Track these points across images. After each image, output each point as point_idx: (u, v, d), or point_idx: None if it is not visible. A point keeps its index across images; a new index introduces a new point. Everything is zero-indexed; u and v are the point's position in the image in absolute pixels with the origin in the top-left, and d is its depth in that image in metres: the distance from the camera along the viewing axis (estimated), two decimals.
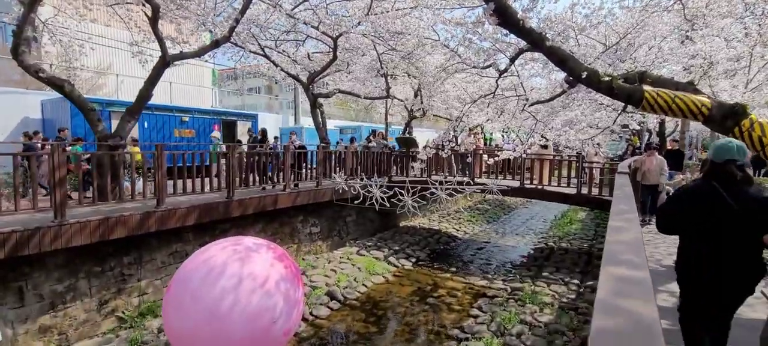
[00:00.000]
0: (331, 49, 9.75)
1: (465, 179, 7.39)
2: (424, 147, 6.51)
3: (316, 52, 11.58)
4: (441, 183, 6.13)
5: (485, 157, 10.49)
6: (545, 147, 10.71)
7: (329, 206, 9.90)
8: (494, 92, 5.67)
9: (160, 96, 16.65)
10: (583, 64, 3.61)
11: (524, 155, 9.29)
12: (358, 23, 8.17)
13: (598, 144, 11.54)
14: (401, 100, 15.27)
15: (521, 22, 3.44)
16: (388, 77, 12.25)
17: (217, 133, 10.42)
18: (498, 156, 9.53)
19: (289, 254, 5.21)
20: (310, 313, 6.73)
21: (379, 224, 11.96)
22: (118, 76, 15.29)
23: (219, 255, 4.35)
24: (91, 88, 15.50)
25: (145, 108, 12.06)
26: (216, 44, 6.81)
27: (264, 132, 10.86)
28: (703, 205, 2.34)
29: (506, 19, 3.42)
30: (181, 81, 18.08)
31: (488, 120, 6.35)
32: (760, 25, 7.35)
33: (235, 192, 7.69)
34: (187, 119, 12.64)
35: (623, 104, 6.88)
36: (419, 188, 6.42)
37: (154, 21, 5.84)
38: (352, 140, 14.44)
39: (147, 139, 11.67)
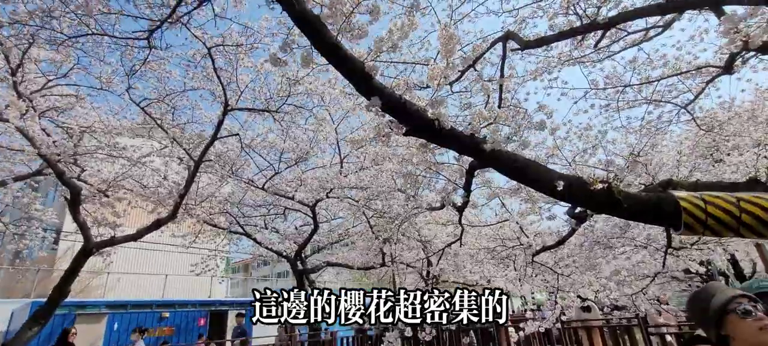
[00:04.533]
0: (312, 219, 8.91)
1: None
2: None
3: (304, 226, 10.76)
4: None
5: (511, 330, 8.03)
6: (587, 309, 8.24)
7: None
8: (461, 237, 4.14)
9: (147, 291, 15.85)
10: (555, 171, 2.18)
11: (558, 324, 6.91)
12: (330, 190, 7.43)
13: (658, 299, 8.85)
14: (412, 267, 13.56)
15: (436, 121, 2.23)
16: (387, 243, 10.96)
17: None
18: (522, 329, 7.22)
19: None
20: None
21: None
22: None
23: None
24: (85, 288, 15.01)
25: (118, 306, 11.11)
26: (157, 225, 5.98)
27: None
28: None
29: (407, 117, 2.22)
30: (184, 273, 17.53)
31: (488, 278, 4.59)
32: None
33: None
34: (167, 315, 11.24)
35: (667, 240, 5.04)
36: None
37: (73, 205, 5.19)
38: None
39: (114, 343, 10.13)
